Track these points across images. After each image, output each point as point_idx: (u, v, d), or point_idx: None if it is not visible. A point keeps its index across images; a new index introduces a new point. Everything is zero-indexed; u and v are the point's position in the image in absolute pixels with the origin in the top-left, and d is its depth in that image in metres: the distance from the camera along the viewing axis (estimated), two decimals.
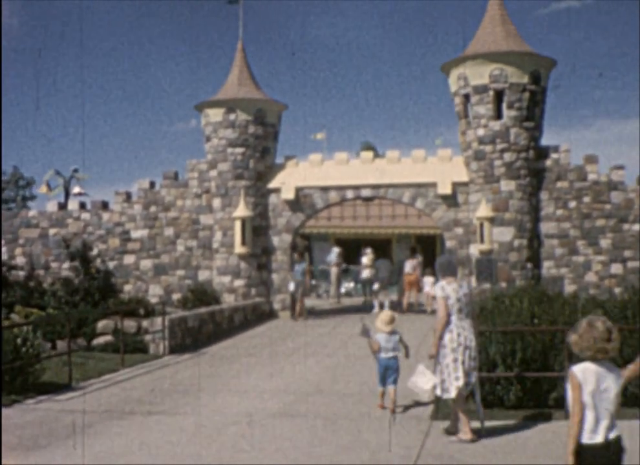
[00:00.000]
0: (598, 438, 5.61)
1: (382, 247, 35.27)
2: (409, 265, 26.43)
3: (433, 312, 21.36)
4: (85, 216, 27.96)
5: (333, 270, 31.27)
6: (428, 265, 26.06)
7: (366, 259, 28.32)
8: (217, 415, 11.24)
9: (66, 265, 25.91)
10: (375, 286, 26.81)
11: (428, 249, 35.23)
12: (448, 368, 9.67)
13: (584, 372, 5.71)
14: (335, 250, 31.86)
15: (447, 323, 9.69)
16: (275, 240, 26.47)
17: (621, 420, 9.85)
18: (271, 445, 9.53)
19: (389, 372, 11.55)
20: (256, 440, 9.78)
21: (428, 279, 26.29)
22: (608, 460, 5.64)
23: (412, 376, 10.30)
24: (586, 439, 5.61)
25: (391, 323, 11.67)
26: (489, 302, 14.96)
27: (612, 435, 5.68)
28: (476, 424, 9.67)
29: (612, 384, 5.73)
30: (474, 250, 24.25)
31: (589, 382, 5.69)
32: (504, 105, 24.16)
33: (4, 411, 11.41)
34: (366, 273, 28.39)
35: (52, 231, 28.12)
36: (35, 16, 78.73)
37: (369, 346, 11.64)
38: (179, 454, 9.17)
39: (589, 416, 5.65)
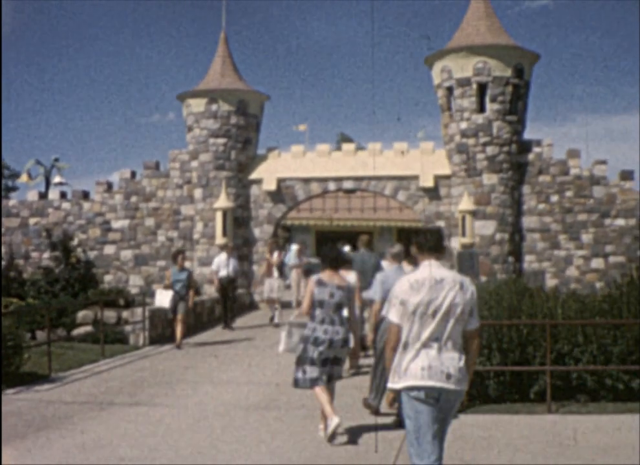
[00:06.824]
0: None
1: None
2: None
3: None
4: (66, 205, 27.82)
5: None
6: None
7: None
8: (197, 406, 11.18)
9: (46, 254, 25.76)
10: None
11: (410, 242, 35.25)
12: None
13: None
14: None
15: None
16: (256, 231, 26.43)
17: (624, 414, 9.87)
18: (252, 436, 9.47)
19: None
20: (237, 431, 9.72)
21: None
22: None
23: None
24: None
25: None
26: None
27: None
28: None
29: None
30: (456, 243, 24.29)
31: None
32: (487, 98, 24.19)
33: None
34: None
35: (32, 220, 27.97)
36: (11, 7, 78.27)
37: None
38: (158, 446, 9.11)
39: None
